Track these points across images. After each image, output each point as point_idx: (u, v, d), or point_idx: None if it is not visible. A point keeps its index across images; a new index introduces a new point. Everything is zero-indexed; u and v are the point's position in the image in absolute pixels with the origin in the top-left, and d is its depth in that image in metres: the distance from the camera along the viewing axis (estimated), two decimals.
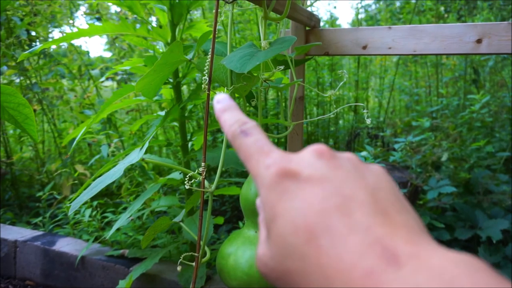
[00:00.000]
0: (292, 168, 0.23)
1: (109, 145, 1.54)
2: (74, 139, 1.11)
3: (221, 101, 0.31)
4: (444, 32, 1.00)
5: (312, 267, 0.20)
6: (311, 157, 0.24)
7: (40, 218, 1.57)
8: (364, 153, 1.29)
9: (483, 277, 0.17)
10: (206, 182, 0.74)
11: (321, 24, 2.77)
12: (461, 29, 0.99)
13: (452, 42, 0.99)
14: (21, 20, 1.73)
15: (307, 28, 1.13)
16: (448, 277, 0.17)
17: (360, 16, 2.89)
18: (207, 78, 0.72)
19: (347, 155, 0.25)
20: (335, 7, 3.50)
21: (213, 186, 0.76)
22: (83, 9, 2.50)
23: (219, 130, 1.71)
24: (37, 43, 1.86)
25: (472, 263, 0.18)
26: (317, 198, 0.21)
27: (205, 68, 0.72)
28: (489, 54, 1.00)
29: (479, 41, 0.97)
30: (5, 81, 1.76)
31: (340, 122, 2.62)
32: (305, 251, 0.20)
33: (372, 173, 0.24)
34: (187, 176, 0.70)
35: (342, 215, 0.20)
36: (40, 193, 1.57)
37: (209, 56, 0.72)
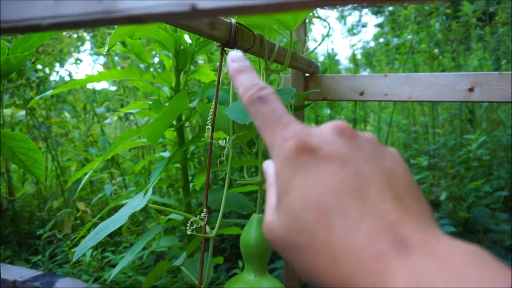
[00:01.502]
0: (311, 143, 0.23)
1: (111, 181, 1.56)
2: (78, 180, 1.13)
3: (236, 59, 0.28)
4: (438, 81, 1.04)
5: (320, 245, 0.20)
6: (331, 134, 0.24)
7: (40, 257, 1.56)
8: None
9: (491, 267, 0.17)
10: (207, 227, 0.76)
11: (321, 59, 2.86)
12: (454, 78, 1.03)
13: (446, 90, 1.03)
14: (31, 60, 1.80)
15: (306, 75, 1.18)
16: (457, 266, 0.17)
17: (357, 52, 2.98)
18: (210, 127, 0.75)
19: (367, 135, 0.25)
20: (332, 49, 3.64)
21: (214, 231, 0.77)
22: (88, 45, 2.59)
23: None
24: (43, 80, 1.92)
25: (480, 254, 0.18)
26: (335, 178, 0.21)
27: (209, 117, 0.75)
28: (481, 101, 1.04)
29: (471, 89, 1.01)
30: (9, 119, 1.81)
31: None
32: (315, 228, 0.20)
33: (389, 157, 0.24)
34: (189, 221, 0.72)
35: (358, 198, 0.21)
36: (41, 231, 1.57)
37: (213, 105, 0.75)
